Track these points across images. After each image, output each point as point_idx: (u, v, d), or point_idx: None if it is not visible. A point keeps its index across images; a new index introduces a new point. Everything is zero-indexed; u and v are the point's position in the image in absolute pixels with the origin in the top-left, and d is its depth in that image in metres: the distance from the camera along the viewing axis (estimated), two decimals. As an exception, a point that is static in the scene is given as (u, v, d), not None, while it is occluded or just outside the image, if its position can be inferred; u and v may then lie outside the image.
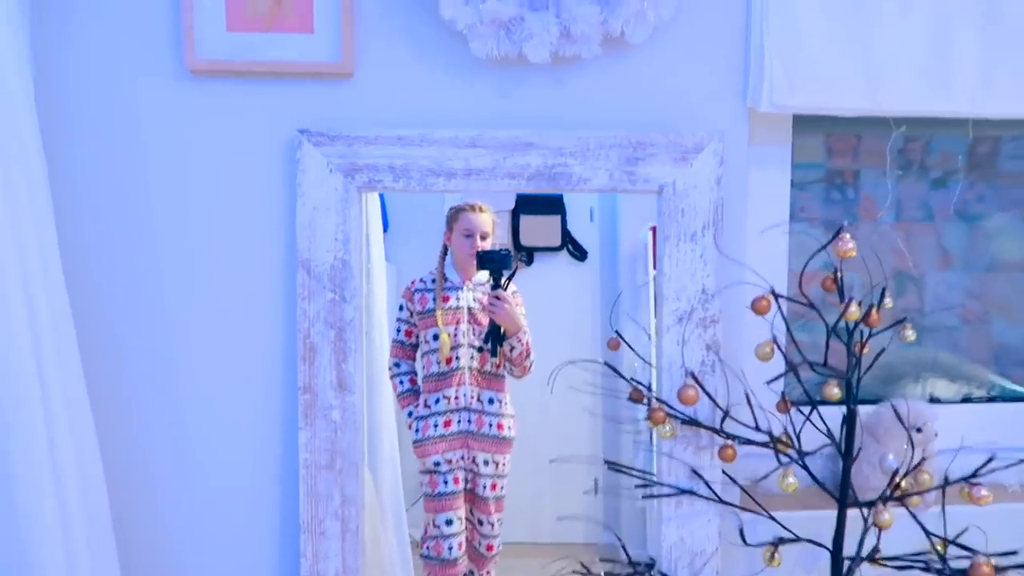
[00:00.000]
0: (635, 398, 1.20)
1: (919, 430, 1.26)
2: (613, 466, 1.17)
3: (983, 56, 1.18)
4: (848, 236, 0.97)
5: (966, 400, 1.55)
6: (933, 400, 1.53)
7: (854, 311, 1.00)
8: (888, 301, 1.14)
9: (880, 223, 1.46)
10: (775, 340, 1.01)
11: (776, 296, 0.99)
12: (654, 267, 3.31)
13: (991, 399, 1.54)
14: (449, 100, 1.17)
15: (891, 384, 1.55)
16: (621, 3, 1.09)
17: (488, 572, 2.06)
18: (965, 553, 0.99)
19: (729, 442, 1.09)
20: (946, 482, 1.04)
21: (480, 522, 2.05)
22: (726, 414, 1.06)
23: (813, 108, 1.18)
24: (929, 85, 1.18)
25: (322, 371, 1.14)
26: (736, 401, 1.12)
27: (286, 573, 1.20)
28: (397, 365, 2.15)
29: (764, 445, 1.05)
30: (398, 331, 2.13)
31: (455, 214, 2.10)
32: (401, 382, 2.11)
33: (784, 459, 1.04)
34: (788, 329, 1.01)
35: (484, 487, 2.04)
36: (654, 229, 3.37)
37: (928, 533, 0.99)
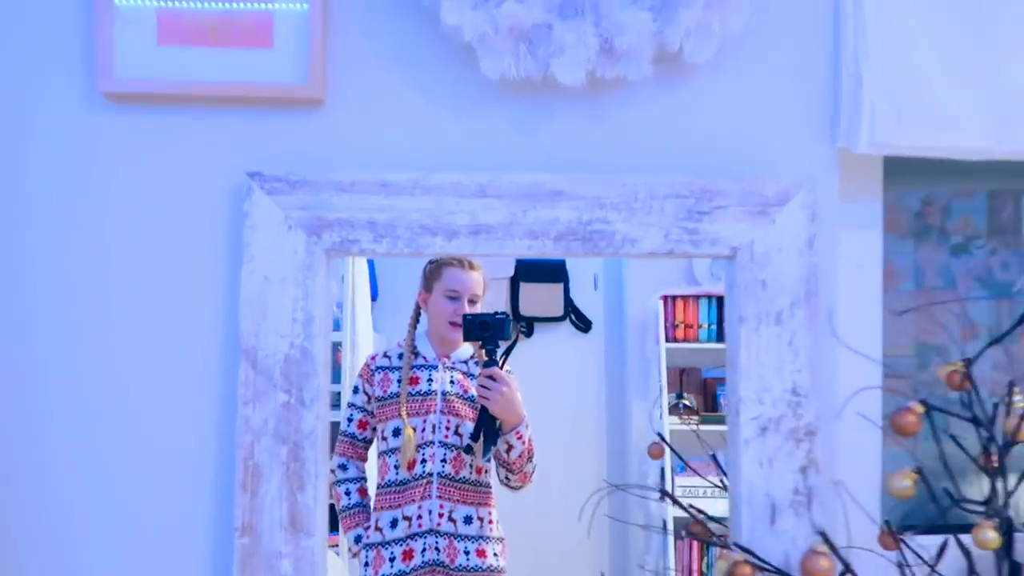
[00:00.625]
0: (699, 534, 0.88)
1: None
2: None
3: None
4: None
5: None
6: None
7: (1029, 427, 0.70)
8: (1020, 399, 0.84)
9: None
10: (920, 470, 0.70)
11: (930, 408, 0.68)
12: (666, 340, 2.98)
13: None
14: (451, 135, 0.89)
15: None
16: (679, 7, 0.82)
17: None
18: None
19: (845, 611, 0.76)
20: None
21: None
22: (847, 571, 0.74)
23: (929, 149, 0.90)
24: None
25: (268, 505, 0.81)
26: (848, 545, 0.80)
27: None
28: (344, 468, 1.65)
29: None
30: (349, 420, 1.66)
31: (436, 269, 1.64)
32: (347, 492, 1.63)
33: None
34: (943, 455, 0.70)
35: None
36: (665, 298, 3.05)
37: None
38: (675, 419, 2.86)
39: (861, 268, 0.97)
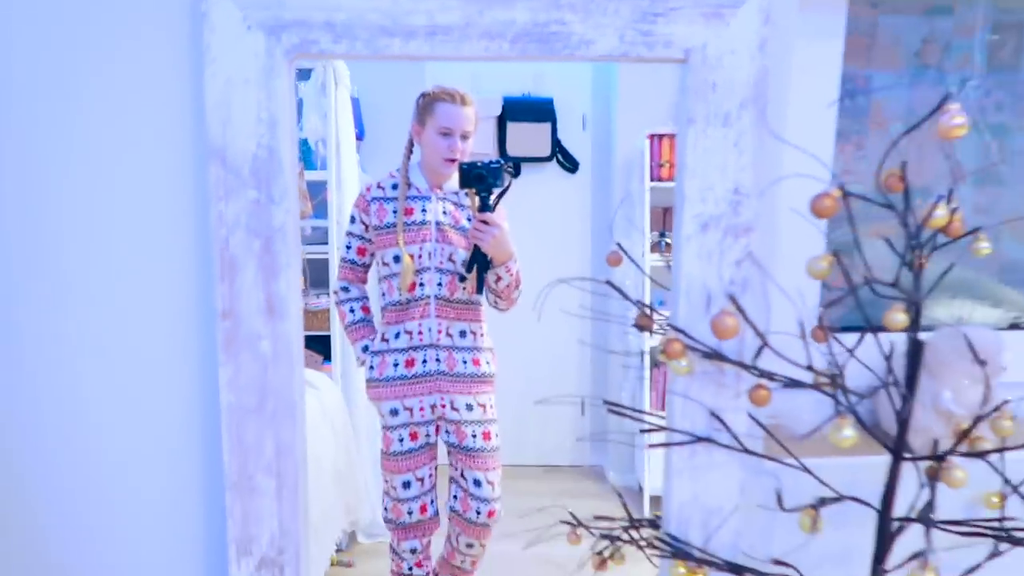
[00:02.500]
0: (643, 325, 0.96)
1: (984, 363, 1.04)
2: (615, 408, 0.94)
3: None
4: (957, 108, 0.71)
5: (1014, 327, 1.34)
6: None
7: (941, 215, 0.76)
8: (956, 202, 0.90)
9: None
10: (836, 253, 0.77)
11: (847, 194, 0.74)
12: (652, 178, 3.01)
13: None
14: (406, -68, 0.88)
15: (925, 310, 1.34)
16: None
17: (484, 543, 1.77)
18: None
19: (763, 382, 0.86)
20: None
21: (477, 483, 1.68)
22: (764, 344, 0.83)
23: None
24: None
25: (246, 292, 0.88)
26: (770, 330, 0.89)
27: (212, 537, 0.98)
28: (346, 290, 1.79)
29: (811, 387, 0.82)
30: (348, 248, 1.76)
31: (429, 104, 1.66)
32: (351, 310, 1.77)
33: (840, 406, 0.82)
34: (856, 239, 0.77)
35: (474, 437, 1.68)
36: (652, 137, 3.05)
37: (1019, 492, 0.78)
38: (656, 255, 2.96)
39: (811, 74, 0.99)
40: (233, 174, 0.87)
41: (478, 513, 1.69)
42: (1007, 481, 0.80)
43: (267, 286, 0.88)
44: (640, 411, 0.96)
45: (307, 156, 2.69)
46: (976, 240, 0.91)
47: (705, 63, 0.87)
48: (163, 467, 0.97)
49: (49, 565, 0.97)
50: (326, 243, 2.52)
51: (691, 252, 0.90)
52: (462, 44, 0.87)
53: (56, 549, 0.97)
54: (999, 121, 1.27)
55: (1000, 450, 0.83)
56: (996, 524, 0.86)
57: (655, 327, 0.95)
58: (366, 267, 1.75)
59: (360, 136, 3.03)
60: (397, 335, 1.68)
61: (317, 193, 2.54)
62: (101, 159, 0.91)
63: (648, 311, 0.95)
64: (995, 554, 0.93)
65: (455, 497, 1.73)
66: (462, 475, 1.71)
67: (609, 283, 0.91)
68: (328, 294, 2.53)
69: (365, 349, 1.71)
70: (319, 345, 2.59)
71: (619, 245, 1.12)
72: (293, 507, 0.93)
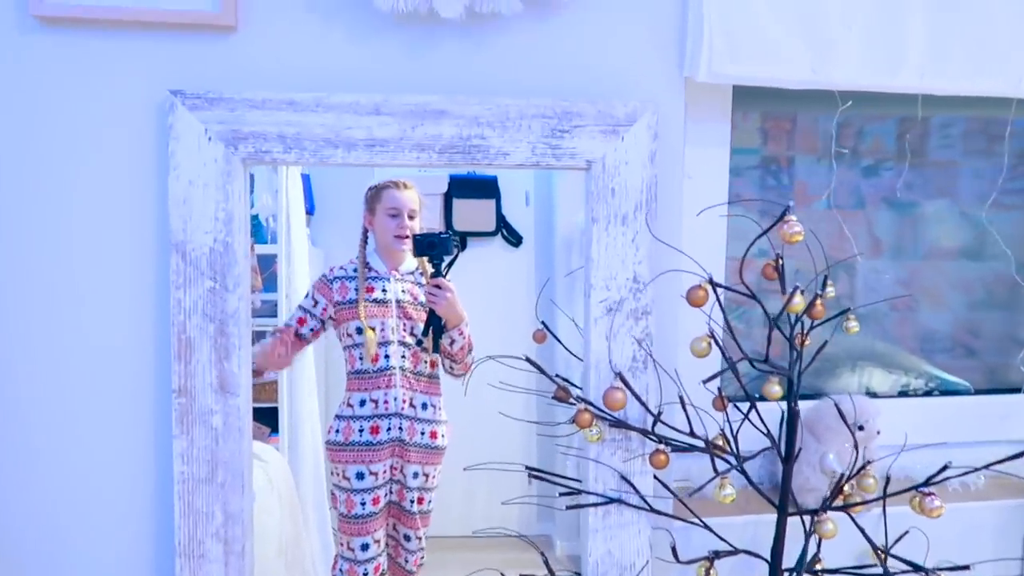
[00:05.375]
0: (560, 397, 1.08)
1: (861, 428, 1.18)
2: (535, 474, 1.05)
3: (932, 30, 1.10)
4: (794, 219, 0.87)
5: (903, 394, 1.49)
6: (870, 394, 1.47)
7: (799, 302, 0.91)
8: (831, 290, 1.05)
9: (816, 208, 1.38)
10: (712, 335, 0.91)
11: (715, 285, 0.88)
12: (591, 253, 3.14)
13: (928, 392, 1.49)
14: (349, 60, 1.03)
15: (825, 376, 1.49)
16: (544, -48, 0.96)
17: None
18: (906, 564, 0.91)
19: (661, 447, 0.98)
20: (887, 485, 0.96)
21: (407, 537, 1.85)
22: (657, 418, 0.96)
23: (756, 79, 1.08)
24: (877, 59, 1.09)
25: (200, 371, 0.98)
26: (669, 400, 1.02)
27: (160, 603, 1.05)
28: (275, 335, 1.90)
29: (700, 450, 0.95)
30: (291, 316, 1.90)
31: (376, 193, 1.86)
32: (276, 336, 1.87)
33: (721, 466, 0.94)
34: (727, 321, 0.91)
35: (411, 501, 1.82)
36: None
37: (875, 547, 0.91)
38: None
39: (691, 179, 1.15)
40: (192, 265, 0.98)
41: (406, 560, 1.85)
42: (863, 532, 0.92)
43: (220, 365, 0.98)
44: (559, 475, 1.07)
45: (258, 231, 2.79)
46: (846, 320, 1.07)
47: (605, 172, 1.02)
48: (114, 534, 1.04)
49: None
50: (275, 316, 2.59)
51: (599, 332, 1.04)
52: (397, 154, 1.00)
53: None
54: (909, 199, 1.44)
55: (863, 503, 0.96)
56: (872, 573, 0.98)
57: (571, 399, 1.07)
58: (300, 336, 1.86)
59: (310, 211, 3.15)
60: (362, 403, 1.80)
61: (267, 267, 2.64)
62: (72, 250, 1.01)
63: (563, 383, 1.07)
64: (875, 600, 1.05)
65: (387, 545, 1.86)
66: (394, 528, 1.86)
67: (528, 359, 1.03)
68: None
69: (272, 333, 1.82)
70: (267, 418, 2.64)
71: (544, 324, 1.25)
72: (240, 573, 1.00)
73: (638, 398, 0.94)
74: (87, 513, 1.04)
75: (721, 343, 0.92)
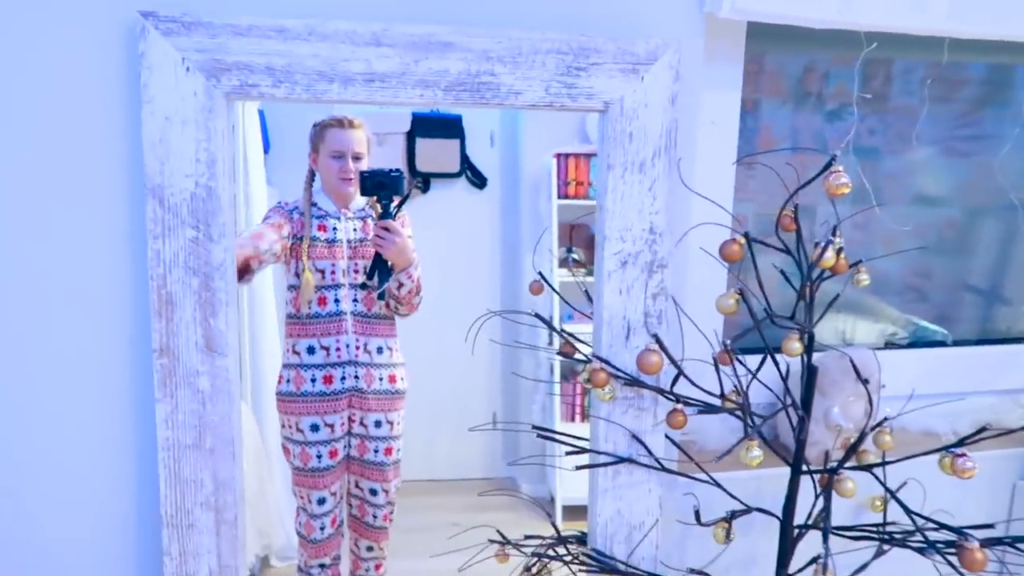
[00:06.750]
0: (566, 352, 1.03)
1: (866, 381, 1.17)
2: (544, 434, 1.00)
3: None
4: (841, 169, 0.82)
5: (889, 345, 1.49)
6: (847, 344, 1.46)
7: (830, 256, 0.86)
8: (839, 241, 1.01)
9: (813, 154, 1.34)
10: (741, 291, 0.86)
11: (751, 240, 0.83)
12: (559, 196, 3.12)
13: (912, 344, 1.50)
14: (345, -17, 0.92)
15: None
16: None
17: (383, 547, 1.83)
18: (937, 524, 0.90)
19: (679, 407, 0.94)
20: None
21: (373, 492, 1.76)
22: (680, 374, 0.91)
23: (780, 16, 1.01)
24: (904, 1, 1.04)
25: (184, 329, 0.89)
26: (684, 357, 0.97)
27: (148, 574, 0.98)
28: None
29: (725, 411, 0.91)
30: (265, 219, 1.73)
31: (320, 131, 1.71)
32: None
33: (736, 426, 0.91)
34: (759, 278, 0.86)
35: (376, 452, 1.74)
36: (559, 156, 3.16)
37: (907, 511, 0.89)
38: (564, 271, 3.06)
39: (715, 125, 1.09)
40: (171, 213, 0.88)
41: (375, 517, 1.78)
42: (888, 491, 0.91)
43: (206, 323, 0.90)
44: (565, 435, 1.02)
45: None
46: (857, 272, 1.03)
47: (623, 115, 0.95)
48: (96, 506, 0.96)
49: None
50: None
51: (612, 287, 0.98)
52: (399, 91, 0.91)
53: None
54: (872, 145, 1.41)
55: (883, 463, 0.94)
56: (880, 529, 0.98)
57: (577, 355, 1.02)
58: (257, 250, 1.66)
59: (266, 150, 3.00)
60: (311, 350, 1.69)
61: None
62: (33, 195, 0.90)
63: (572, 339, 1.02)
64: (880, 553, 1.05)
65: (350, 505, 1.79)
66: (357, 485, 1.78)
67: (537, 315, 0.97)
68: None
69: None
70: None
71: (541, 275, 1.19)
72: (232, 543, 0.94)
73: (673, 361, 0.89)
74: (62, 486, 0.95)
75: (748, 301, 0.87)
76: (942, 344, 1.49)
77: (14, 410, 0.93)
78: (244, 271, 1.53)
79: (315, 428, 1.69)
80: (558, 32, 0.93)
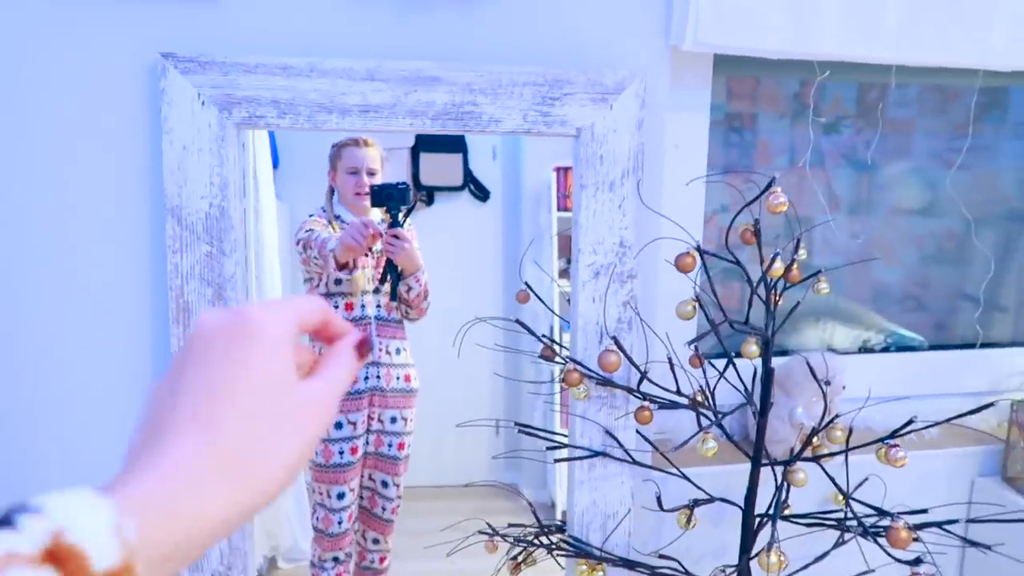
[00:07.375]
0: (547, 356, 1.13)
1: (828, 383, 1.25)
2: (524, 429, 1.10)
3: (906, 4, 1.14)
4: (779, 190, 0.91)
5: (863, 350, 1.57)
6: (830, 349, 1.54)
7: (779, 267, 0.96)
8: (803, 252, 1.11)
9: (777, 167, 1.43)
10: (698, 299, 0.96)
11: (702, 253, 0.92)
12: (558, 209, 3.24)
13: (885, 348, 1.58)
14: (343, 25, 1.03)
15: (790, 333, 1.56)
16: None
17: (389, 538, 1.95)
18: (870, 508, 0.99)
19: (646, 404, 1.04)
20: (850, 436, 1.03)
21: (385, 484, 1.91)
22: (644, 376, 1.01)
23: (739, 48, 1.11)
24: (854, 30, 1.13)
25: (199, 334, 1.00)
26: (651, 360, 1.07)
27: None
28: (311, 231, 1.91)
29: (684, 407, 1.00)
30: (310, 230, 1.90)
31: (338, 151, 1.91)
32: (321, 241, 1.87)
33: (704, 422, 1.00)
34: (712, 287, 0.95)
35: (391, 446, 1.89)
36: (558, 169, 3.29)
37: (844, 494, 0.98)
38: (564, 281, 3.17)
39: (677, 148, 1.19)
40: (188, 230, 0.99)
41: (384, 509, 1.90)
42: (833, 482, 1.00)
43: (218, 329, 1.00)
44: (546, 431, 1.12)
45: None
46: (817, 281, 1.13)
47: (593, 139, 1.05)
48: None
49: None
50: (245, 269, 2.61)
51: (586, 295, 1.08)
52: (391, 120, 1.02)
53: None
54: (867, 157, 1.50)
55: (831, 454, 1.03)
56: (836, 518, 1.06)
57: (558, 359, 1.11)
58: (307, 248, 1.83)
59: (275, 165, 3.14)
60: None
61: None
62: (65, 214, 1.01)
63: (551, 343, 1.12)
64: (840, 543, 1.13)
65: (361, 496, 1.90)
66: (370, 477, 1.91)
67: (518, 321, 1.07)
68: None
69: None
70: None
71: (527, 285, 1.29)
72: (242, 536, 1.03)
73: (631, 360, 0.99)
74: (90, 485, 1.06)
75: (704, 307, 0.97)
76: (914, 348, 1.57)
77: (43, 407, 1.04)
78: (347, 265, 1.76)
79: (339, 426, 1.82)
80: (534, 65, 1.03)
